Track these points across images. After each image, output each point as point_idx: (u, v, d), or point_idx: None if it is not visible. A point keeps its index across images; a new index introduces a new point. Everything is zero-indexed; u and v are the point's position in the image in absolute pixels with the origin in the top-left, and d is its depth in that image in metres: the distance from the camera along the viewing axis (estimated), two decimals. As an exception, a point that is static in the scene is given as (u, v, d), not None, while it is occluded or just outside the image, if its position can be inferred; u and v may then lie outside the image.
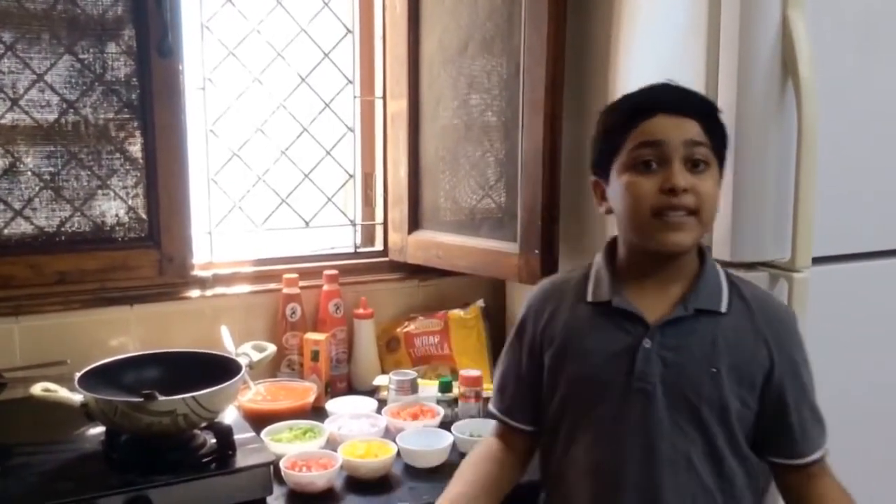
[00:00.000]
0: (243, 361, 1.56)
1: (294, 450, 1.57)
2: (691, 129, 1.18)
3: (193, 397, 1.37)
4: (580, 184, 1.83)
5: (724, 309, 1.22)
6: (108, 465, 1.41)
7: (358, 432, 1.67)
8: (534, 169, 1.76)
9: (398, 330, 2.10)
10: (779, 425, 1.22)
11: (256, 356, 1.59)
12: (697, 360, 1.20)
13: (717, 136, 1.21)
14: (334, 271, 2.03)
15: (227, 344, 1.85)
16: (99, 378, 1.49)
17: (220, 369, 1.54)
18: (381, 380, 1.96)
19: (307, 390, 1.83)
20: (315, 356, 1.91)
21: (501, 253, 1.86)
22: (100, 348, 1.82)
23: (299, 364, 1.96)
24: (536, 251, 1.78)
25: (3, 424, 1.55)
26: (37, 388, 1.35)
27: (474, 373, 1.81)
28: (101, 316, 1.84)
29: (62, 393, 1.36)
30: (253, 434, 1.55)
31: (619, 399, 1.21)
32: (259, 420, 1.73)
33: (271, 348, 1.62)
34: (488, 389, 1.88)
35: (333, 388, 1.99)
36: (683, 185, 1.16)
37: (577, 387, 1.26)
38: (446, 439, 1.64)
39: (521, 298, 2.16)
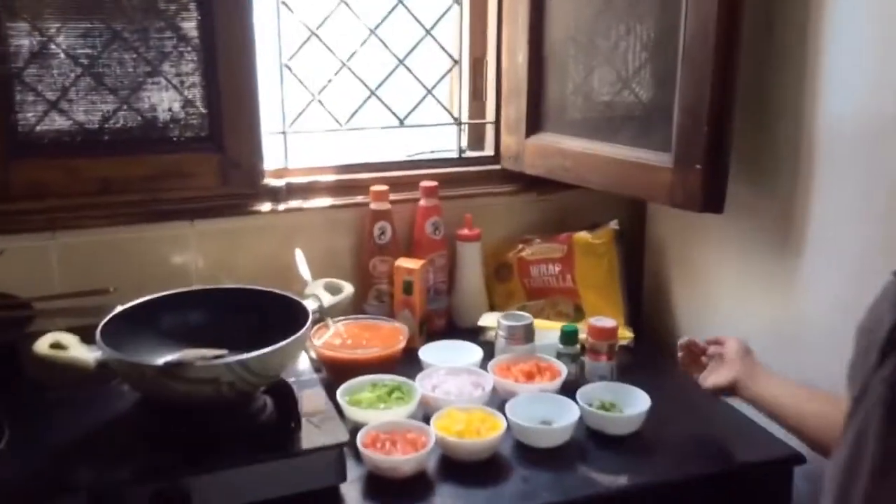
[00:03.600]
0: (311, 306, 1.21)
1: (376, 418, 1.24)
2: None
3: (241, 362, 1.04)
4: (761, 77, 1.36)
5: None
6: (138, 438, 1.11)
7: (457, 395, 1.32)
8: (701, 53, 1.29)
9: (510, 255, 1.72)
10: None
11: (328, 299, 1.24)
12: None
13: None
14: (433, 182, 1.64)
15: (302, 271, 1.51)
16: (131, 322, 1.18)
17: (282, 314, 1.21)
18: (487, 319, 1.59)
19: (396, 334, 1.48)
20: (408, 288, 1.56)
21: (648, 166, 1.42)
22: (152, 272, 1.52)
23: (389, 295, 1.61)
24: (698, 166, 1.33)
25: (27, 369, 1.26)
26: (43, 344, 1.04)
27: (607, 323, 1.41)
28: (153, 233, 1.53)
29: (74, 352, 1.04)
30: (324, 395, 1.22)
31: None
32: (336, 370, 1.41)
33: (347, 290, 1.27)
34: (624, 339, 1.50)
35: (430, 325, 1.64)
36: None
37: None
38: (569, 412, 1.27)
39: (668, 222, 1.76)
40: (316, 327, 1.42)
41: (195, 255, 1.56)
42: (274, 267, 1.59)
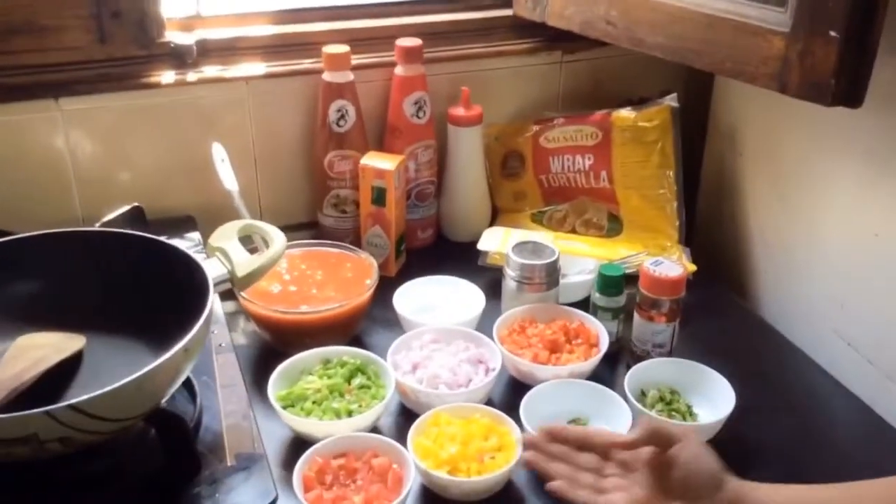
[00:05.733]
0: (214, 272, 0.75)
1: (327, 431, 0.81)
2: None
3: (71, 406, 0.60)
4: None
5: None
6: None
7: (449, 380, 0.89)
8: None
9: (522, 140, 1.24)
10: None
11: (242, 261, 0.77)
12: None
13: None
14: (415, 40, 1.13)
15: (223, 176, 1.05)
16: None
17: (171, 274, 0.76)
18: (490, 241, 1.14)
19: (363, 272, 1.03)
20: (379, 197, 1.09)
21: (748, 27, 0.92)
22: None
23: (353, 204, 1.15)
24: (833, 33, 0.84)
25: None
26: None
27: (671, 271, 0.94)
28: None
29: None
30: (242, 392, 0.79)
31: None
32: (273, 330, 0.97)
33: (276, 245, 0.79)
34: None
35: (411, 240, 1.19)
36: None
37: None
38: (614, 413, 0.85)
39: (747, 100, 1.18)
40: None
41: (65, 151, 1.07)
42: (185, 167, 1.12)
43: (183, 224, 1.09)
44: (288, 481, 0.77)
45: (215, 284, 0.74)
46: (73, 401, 0.59)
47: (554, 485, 0.71)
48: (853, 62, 0.84)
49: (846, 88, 0.86)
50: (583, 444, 0.74)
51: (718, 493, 0.67)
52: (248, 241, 0.86)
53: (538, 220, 1.24)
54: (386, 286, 1.05)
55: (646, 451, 0.71)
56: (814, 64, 0.86)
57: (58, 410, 0.59)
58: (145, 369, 0.62)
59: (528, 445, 0.75)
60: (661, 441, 0.70)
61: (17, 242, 0.79)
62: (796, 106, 0.95)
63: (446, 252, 1.21)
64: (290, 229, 1.09)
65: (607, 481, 0.71)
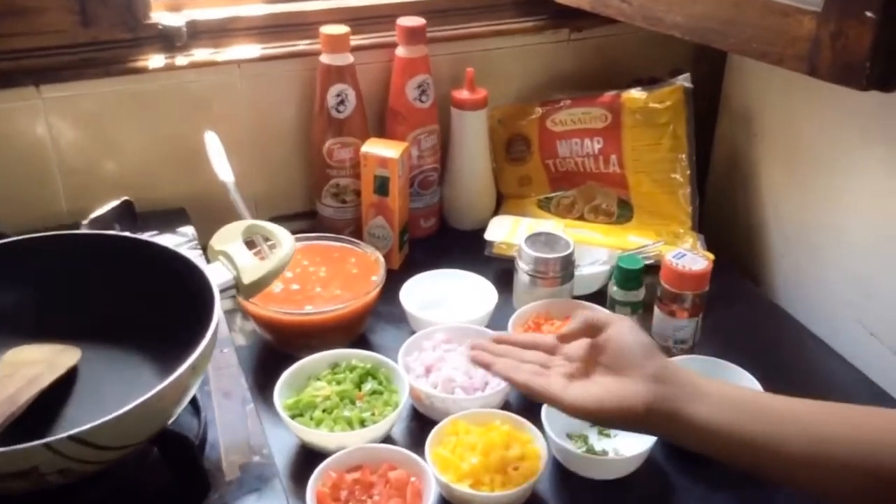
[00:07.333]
0: (218, 278, 0.70)
1: (339, 442, 0.77)
2: None
3: (72, 437, 0.55)
4: None
5: None
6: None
7: (465, 383, 0.84)
8: None
9: (528, 122, 1.18)
10: None
11: (247, 265, 0.72)
12: None
13: None
14: (418, 19, 1.07)
15: (218, 167, 0.99)
16: None
17: (170, 286, 0.70)
18: (497, 230, 1.09)
19: (368, 269, 0.98)
20: (382, 187, 1.04)
21: (775, 5, 0.87)
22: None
23: (354, 193, 1.09)
24: (868, 13, 0.79)
25: None
26: None
27: (696, 265, 0.90)
28: (-25, 108, 0.97)
29: None
30: (247, 400, 0.75)
31: None
32: (277, 333, 0.92)
33: (284, 247, 0.74)
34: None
35: (414, 230, 1.14)
36: None
37: None
38: (644, 419, 0.81)
39: (761, 80, 1.14)
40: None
41: (47, 141, 1.00)
42: (175, 157, 1.06)
43: (174, 217, 1.03)
44: (299, 496, 0.73)
45: (221, 292, 0.68)
46: (74, 431, 0.54)
47: (498, 366, 0.71)
48: (889, 44, 0.80)
49: (881, 72, 0.81)
50: (530, 347, 0.73)
51: (645, 364, 0.65)
52: (250, 243, 0.81)
53: (545, 206, 1.20)
54: (390, 279, 0.99)
55: (585, 343, 0.70)
56: (846, 45, 0.82)
57: (59, 442, 0.54)
58: (151, 392, 0.57)
59: (474, 347, 0.74)
60: (594, 329, 0.70)
61: (19, 245, 0.72)
62: (816, 86, 0.91)
63: (451, 241, 1.16)
64: (286, 219, 1.05)
65: (550, 369, 0.70)
